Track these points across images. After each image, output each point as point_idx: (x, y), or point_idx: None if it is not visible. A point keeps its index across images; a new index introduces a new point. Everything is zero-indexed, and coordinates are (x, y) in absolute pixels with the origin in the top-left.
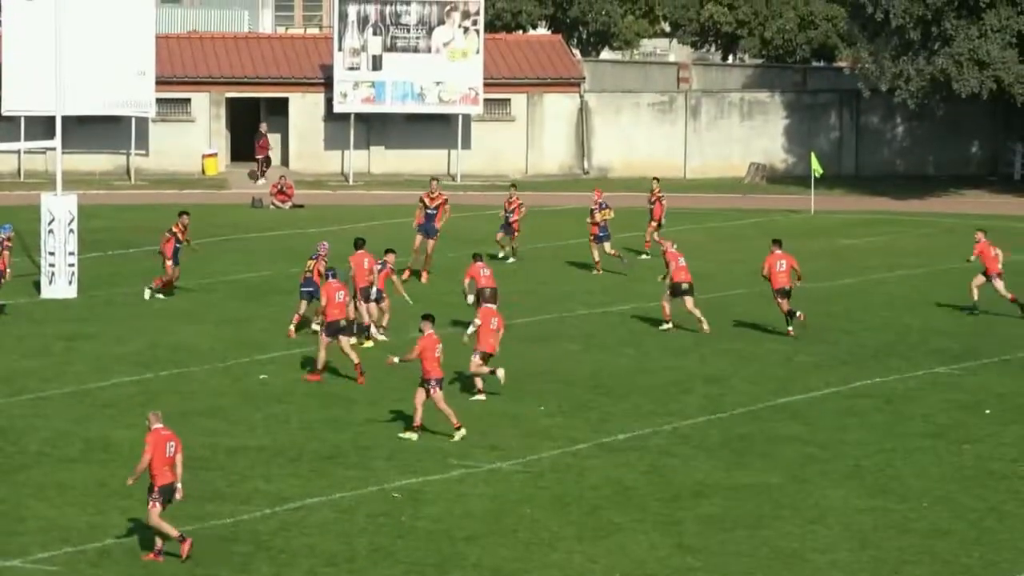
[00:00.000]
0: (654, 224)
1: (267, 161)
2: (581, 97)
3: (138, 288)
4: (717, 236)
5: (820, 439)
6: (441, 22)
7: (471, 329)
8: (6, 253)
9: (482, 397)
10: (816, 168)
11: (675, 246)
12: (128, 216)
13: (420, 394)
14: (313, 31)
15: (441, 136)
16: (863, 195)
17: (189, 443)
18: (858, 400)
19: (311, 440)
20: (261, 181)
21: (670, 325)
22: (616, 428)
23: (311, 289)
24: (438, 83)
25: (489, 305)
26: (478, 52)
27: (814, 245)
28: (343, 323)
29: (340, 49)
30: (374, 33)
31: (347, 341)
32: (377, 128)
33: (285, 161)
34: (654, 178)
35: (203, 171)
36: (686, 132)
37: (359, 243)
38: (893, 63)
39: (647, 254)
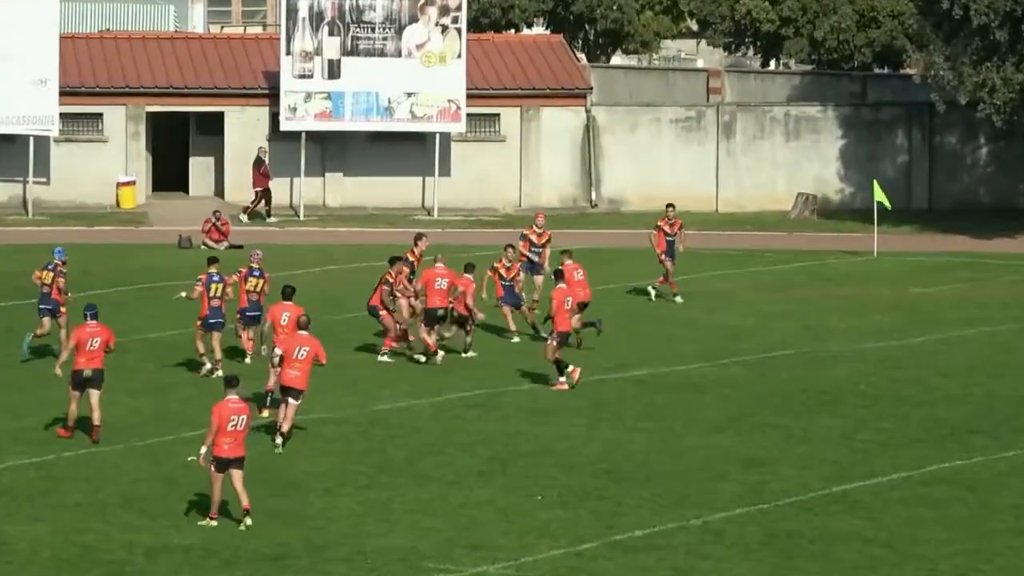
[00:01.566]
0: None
1: (267, 195)
2: (588, 112)
3: (38, 347)
4: (757, 284)
5: (887, 537)
6: (414, 19)
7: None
8: (60, 280)
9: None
10: (880, 199)
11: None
12: (24, 259)
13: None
14: (255, 30)
15: (414, 160)
16: (937, 233)
17: (101, 541)
18: (934, 488)
19: (251, 537)
20: (272, 219)
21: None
22: (632, 523)
23: (256, 313)
24: (410, 95)
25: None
26: (460, 56)
27: (877, 294)
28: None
29: (288, 52)
30: (331, 33)
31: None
32: (334, 150)
33: (220, 191)
34: (669, 205)
35: (118, 203)
36: (718, 155)
37: (288, 292)
38: (974, 70)
39: (658, 293)
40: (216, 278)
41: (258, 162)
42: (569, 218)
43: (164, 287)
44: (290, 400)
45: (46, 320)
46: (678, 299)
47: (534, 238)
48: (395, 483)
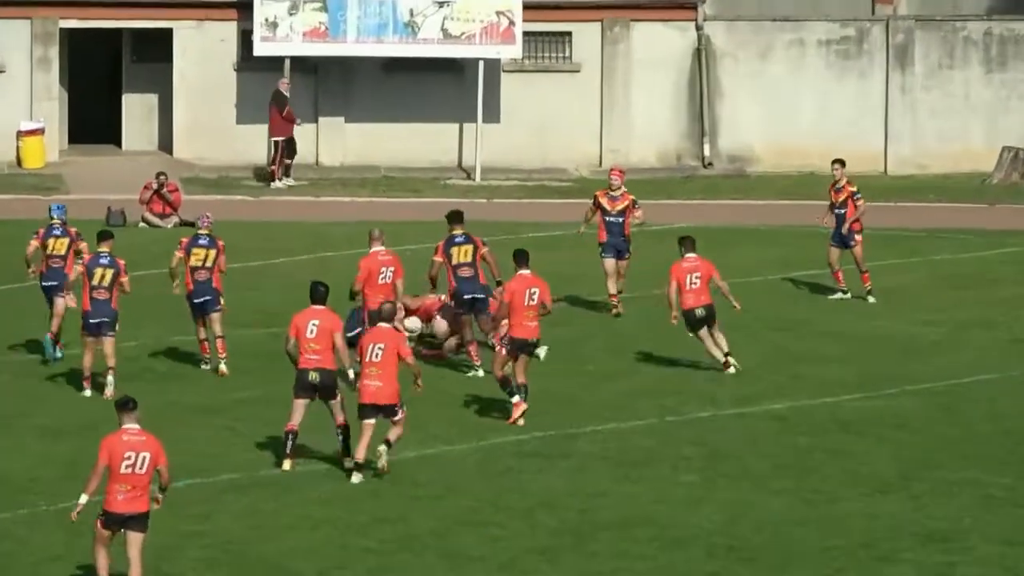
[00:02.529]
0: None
1: (290, 147)
2: (699, 29)
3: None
4: (943, 279)
5: None
6: None
7: None
8: (82, 244)
9: None
10: None
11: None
12: None
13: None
14: None
15: (447, 100)
16: None
17: None
18: None
19: None
20: (284, 182)
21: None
22: None
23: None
24: (442, 4)
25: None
26: None
27: None
28: None
29: None
30: None
31: None
32: (333, 86)
33: (165, 144)
34: (836, 160)
35: (19, 160)
36: (887, 93)
37: (319, 293)
38: None
39: (843, 292)
40: (104, 260)
41: (278, 99)
42: (672, 183)
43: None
44: (366, 421)
45: (59, 302)
46: (871, 299)
47: (606, 203)
48: (419, 565)
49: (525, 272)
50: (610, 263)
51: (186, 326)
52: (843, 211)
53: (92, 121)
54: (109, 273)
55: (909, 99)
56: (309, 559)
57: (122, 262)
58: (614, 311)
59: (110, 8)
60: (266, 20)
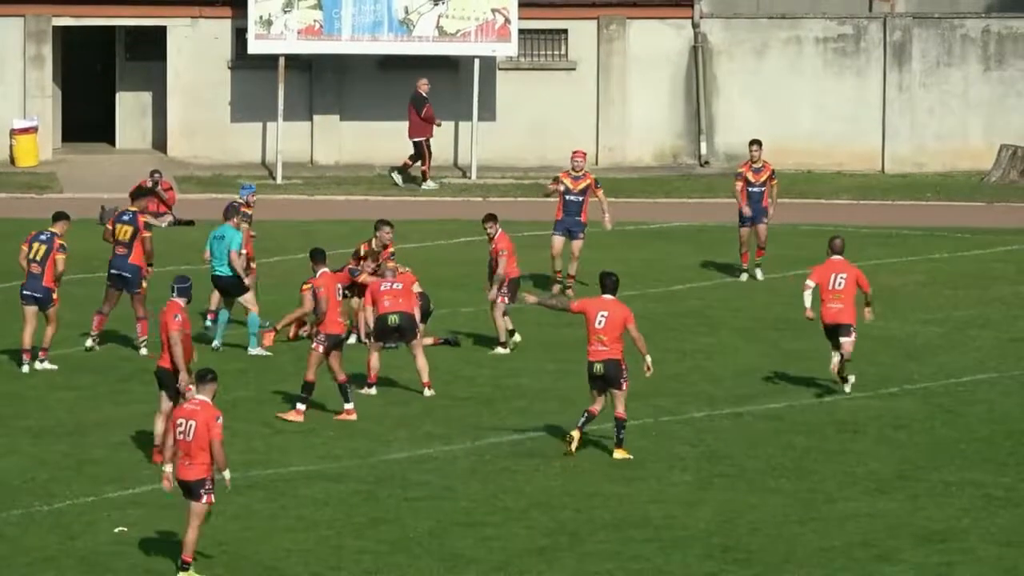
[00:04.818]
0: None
1: (426, 149)
2: (696, 27)
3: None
4: (941, 278)
5: None
6: None
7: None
8: (60, 256)
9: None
10: None
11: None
12: None
13: None
14: None
15: (443, 98)
16: None
17: None
18: None
19: None
20: (429, 184)
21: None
22: None
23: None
24: (437, 1)
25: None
26: None
27: None
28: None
29: None
30: None
31: None
32: (328, 83)
33: (159, 142)
34: (753, 141)
35: (12, 159)
36: (885, 91)
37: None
38: None
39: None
40: (44, 236)
41: (416, 101)
42: (668, 181)
43: (81, 280)
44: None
45: (30, 311)
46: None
47: (569, 183)
48: (414, 567)
49: (325, 269)
50: (559, 241)
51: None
52: (760, 190)
53: (86, 119)
54: (43, 249)
55: (907, 97)
56: (304, 560)
57: (59, 242)
58: (557, 287)
59: (104, 5)
60: (260, 18)
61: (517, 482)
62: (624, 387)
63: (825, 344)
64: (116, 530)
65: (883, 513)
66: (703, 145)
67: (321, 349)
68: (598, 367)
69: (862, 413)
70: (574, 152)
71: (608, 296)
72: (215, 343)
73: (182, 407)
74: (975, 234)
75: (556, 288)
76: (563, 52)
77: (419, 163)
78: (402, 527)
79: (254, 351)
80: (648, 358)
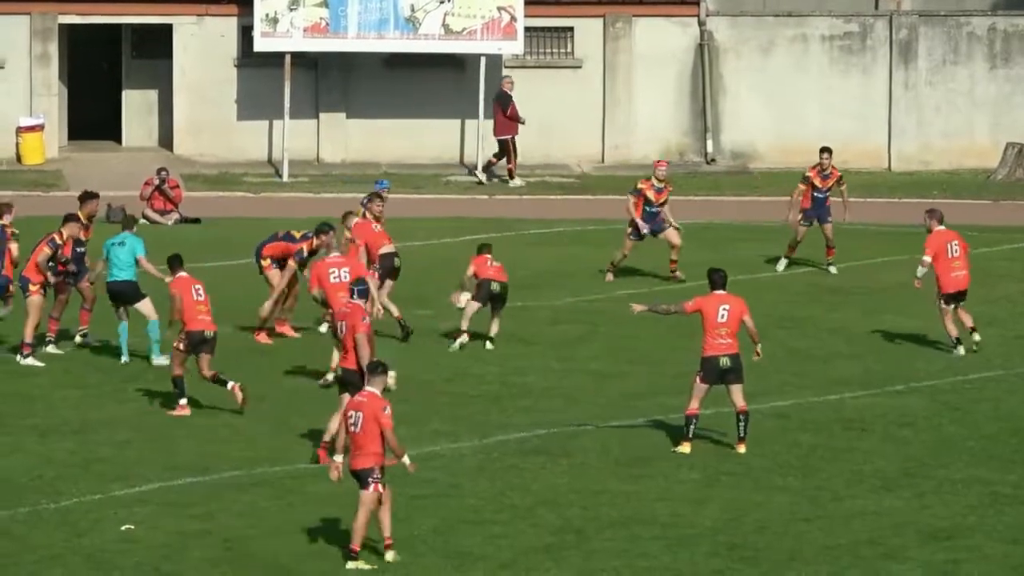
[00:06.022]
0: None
1: (511, 147)
2: (701, 25)
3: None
4: None
5: None
6: None
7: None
8: (13, 246)
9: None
10: None
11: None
12: None
13: None
14: None
15: (449, 96)
16: None
17: None
18: None
19: None
20: (516, 182)
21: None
22: None
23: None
24: (443, 0)
25: None
26: None
27: None
28: None
29: None
30: None
31: None
32: (333, 81)
33: (166, 140)
34: (824, 149)
35: (18, 156)
36: (891, 89)
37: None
38: None
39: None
40: None
41: (501, 99)
42: (674, 179)
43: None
44: None
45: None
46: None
47: (652, 195)
48: (421, 565)
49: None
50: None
51: None
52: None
53: (92, 117)
54: None
55: (913, 95)
56: (311, 558)
57: (11, 230)
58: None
59: (110, 3)
60: (267, 16)
61: (524, 480)
62: (744, 380)
63: (830, 343)
64: (123, 528)
65: (889, 511)
66: (709, 143)
67: (182, 347)
68: (724, 360)
69: (868, 411)
70: (656, 162)
71: (720, 291)
72: (123, 359)
73: (352, 400)
74: (981, 232)
75: (609, 277)
76: (569, 50)
77: (505, 161)
78: (409, 525)
79: (157, 360)
80: (759, 345)
